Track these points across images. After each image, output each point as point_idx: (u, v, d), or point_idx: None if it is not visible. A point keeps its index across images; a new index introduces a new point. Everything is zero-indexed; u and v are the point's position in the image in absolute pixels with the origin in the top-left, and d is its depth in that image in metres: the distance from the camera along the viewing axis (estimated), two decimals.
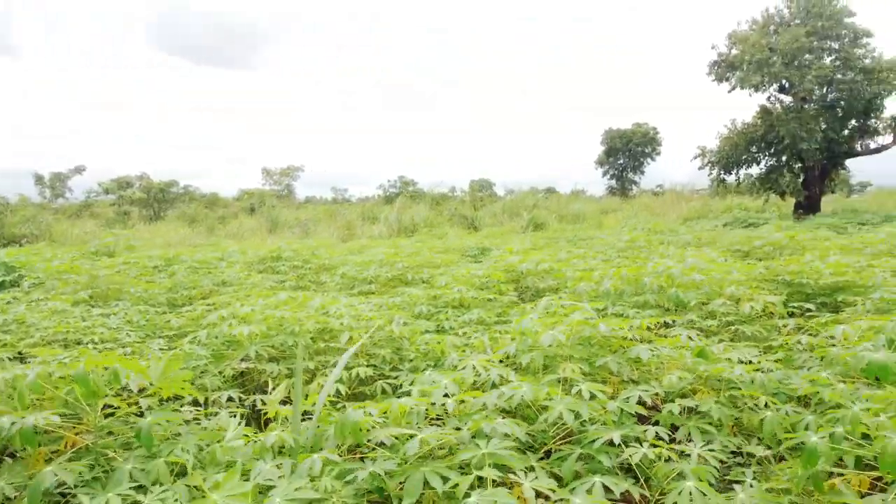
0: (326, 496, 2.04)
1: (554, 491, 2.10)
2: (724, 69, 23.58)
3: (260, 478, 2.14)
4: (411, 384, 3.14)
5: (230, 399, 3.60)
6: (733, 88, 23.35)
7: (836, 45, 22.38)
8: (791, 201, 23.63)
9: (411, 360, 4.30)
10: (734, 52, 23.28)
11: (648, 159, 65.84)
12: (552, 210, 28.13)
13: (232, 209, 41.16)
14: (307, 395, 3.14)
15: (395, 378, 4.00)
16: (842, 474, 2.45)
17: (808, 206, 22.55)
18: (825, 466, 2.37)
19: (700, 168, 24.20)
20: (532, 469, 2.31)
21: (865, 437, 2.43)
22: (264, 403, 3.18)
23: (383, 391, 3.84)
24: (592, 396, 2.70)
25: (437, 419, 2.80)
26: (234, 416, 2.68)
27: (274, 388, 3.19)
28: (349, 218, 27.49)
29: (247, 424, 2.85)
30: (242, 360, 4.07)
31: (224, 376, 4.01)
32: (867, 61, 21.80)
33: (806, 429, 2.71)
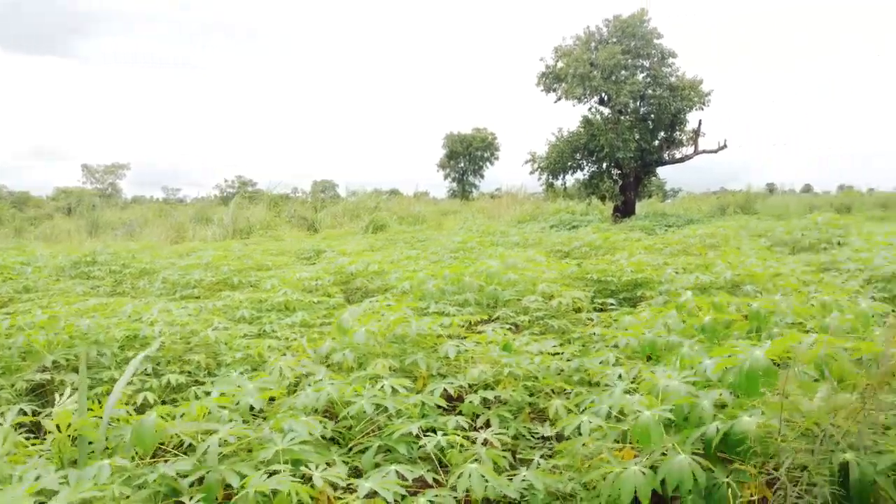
0: (115, 501, 1.99)
1: (343, 480, 2.20)
2: (550, 80, 25.09)
3: (42, 485, 2.05)
4: (212, 384, 3.12)
5: (23, 412, 3.36)
6: (559, 99, 24.93)
7: (647, 64, 24.60)
8: (611, 205, 25.61)
9: (228, 365, 4.23)
10: (560, 64, 24.85)
11: (487, 163, 68.25)
12: (394, 212, 28.40)
13: (46, 210, 37.60)
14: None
15: (211, 384, 3.92)
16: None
17: (624, 210, 24.58)
18: (591, 441, 2.67)
19: (530, 173, 25.58)
20: (332, 463, 2.39)
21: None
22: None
23: (196, 397, 3.76)
24: (395, 391, 2.83)
25: (245, 421, 2.80)
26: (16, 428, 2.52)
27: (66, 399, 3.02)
28: (180, 219, 26.05)
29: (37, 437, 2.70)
30: (38, 370, 3.80)
31: (17, 389, 3.72)
32: (672, 79, 24.21)
33: (584, 410, 3.02)
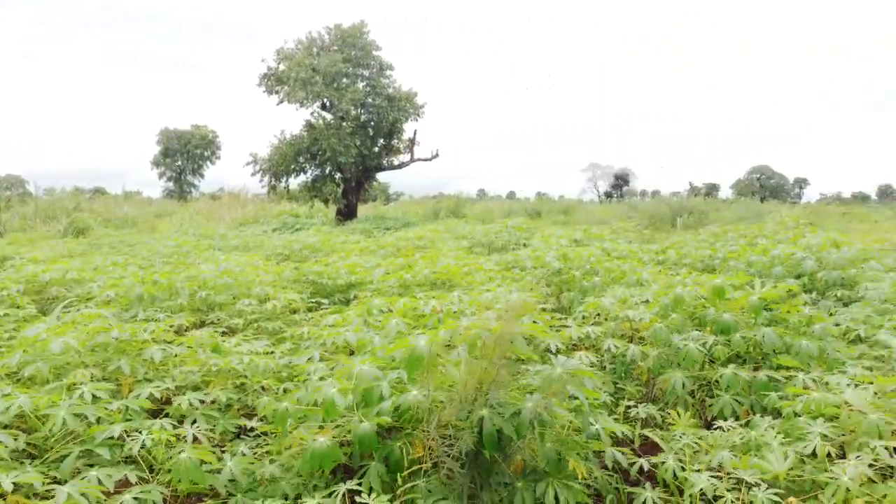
0: None
1: (42, 483, 2.22)
2: (273, 82, 24.98)
3: None
4: None
5: None
6: (281, 102, 24.92)
7: (367, 73, 25.73)
8: (335, 208, 26.25)
9: None
10: (282, 67, 24.86)
11: (208, 162, 65.15)
12: (98, 213, 25.83)
13: None
14: None
15: None
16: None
17: (347, 213, 25.42)
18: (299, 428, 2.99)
19: (252, 175, 25.18)
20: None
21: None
22: None
23: None
24: (96, 398, 2.85)
25: None
26: None
27: None
28: None
29: None
30: None
31: None
32: (390, 90, 25.66)
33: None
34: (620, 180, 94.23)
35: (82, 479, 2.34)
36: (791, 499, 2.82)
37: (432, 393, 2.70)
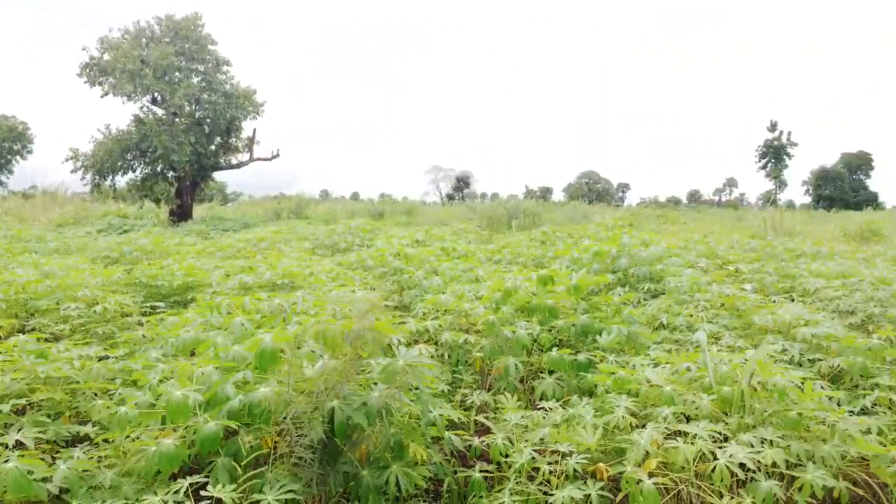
0: None
1: None
2: (96, 73, 23.26)
3: None
4: None
5: None
6: (106, 94, 23.26)
7: (202, 68, 24.66)
8: (167, 208, 24.89)
9: None
10: (106, 57, 23.21)
11: (18, 157, 59.34)
12: None
13: None
14: None
15: None
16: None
17: (181, 214, 24.19)
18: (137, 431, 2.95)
19: (73, 171, 23.27)
20: None
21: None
22: None
23: None
24: None
25: None
26: None
27: None
28: None
29: None
30: None
31: None
32: (227, 87, 24.77)
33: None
34: (462, 183, 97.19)
35: None
36: (600, 464, 3.22)
37: (282, 388, 2.80)
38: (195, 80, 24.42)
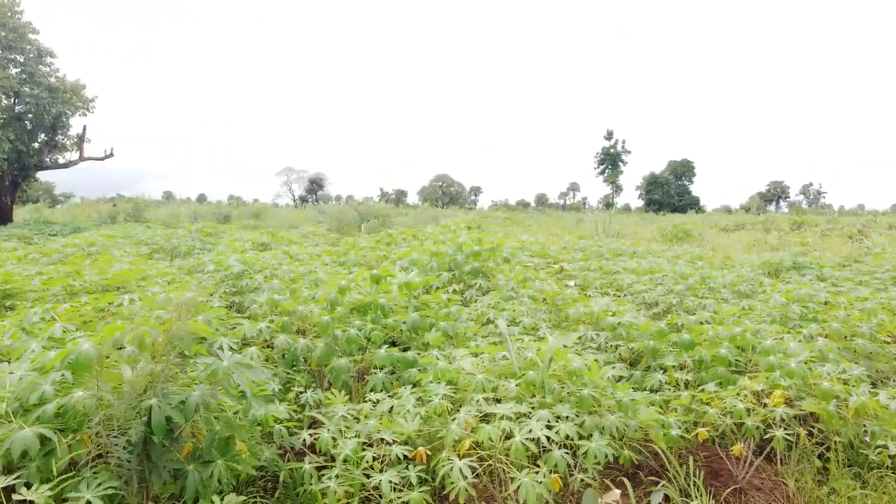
0: None
1: None
2: None
3: None
4: None
5: None
6: None
7: (21, 59, 22.67)
8: None
9: None
10: None
11: None
12: None
13: None
14: None
15: None
16: None
17: (0, 217, 22.12)
18: None
19: None
20: None
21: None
22: None
23: None
24: None
25: None
26: None
27: None
28: None
29: None
30: None
31: None
32: (52, 80, 22.95)
33: None
34: (315, 185, 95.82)
35: None
36: (419, 449, 3.50)
37: (100, 392, 2.81)
38: (13, 71, 22.43)
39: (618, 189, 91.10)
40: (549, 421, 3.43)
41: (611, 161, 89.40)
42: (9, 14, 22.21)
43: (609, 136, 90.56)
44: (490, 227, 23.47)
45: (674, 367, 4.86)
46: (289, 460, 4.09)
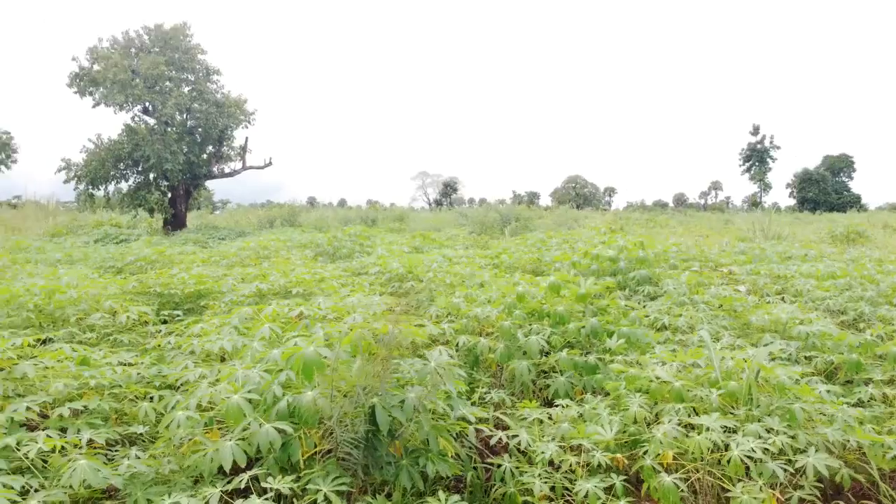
0: None
1: None
2: (86, 83, 23.29)
3: None
4: None
5: None
6: (98, 104, 23.32)
7: (192, 78, 24.77)
8: (160, 217, 24.94)
9: None
10: (96, 67, 23.26)
11: (2, 167, 59.04)
12: None
13: None
14: None
15: None
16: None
17: (175, 223, 24.27)
18: (187, 432, 3.16)
19: (66, 182, 23.27)
20: None
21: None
22: None
23: None
24: None
25: None
26: None
27: None
28: None
29: None
30: None
31: None
32: (218, 96, 24.90)
33: (174, 407, 3.47)
34: (449, 188, 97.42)
35: None
36: (618, 456, 3.46)
37: (326, 391, 3.02)
38: (186, 89, 24.53)
39: (766, 187, 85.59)
40: (759, 434, 3.28)
41: (757, 157, 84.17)
42: (181, 37, 24.37)
43: (755, 130, 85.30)
44: (632, 230, 22.81)
45: (882, 381, 4.50)
46: (473, 460, 4.17)
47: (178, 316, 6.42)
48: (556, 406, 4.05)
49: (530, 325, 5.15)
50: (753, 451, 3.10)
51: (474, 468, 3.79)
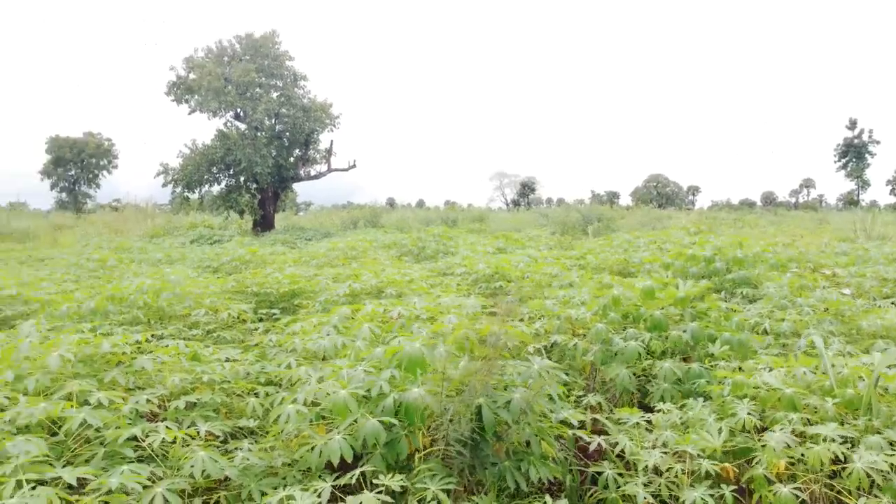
0: None
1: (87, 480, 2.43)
2: (182, 91, 24.46)
3: None
4: None
5: None
6: (193, 111, 24.44)
7: (280, 84, 25.62)
8: (250, 219, 25.91)
9: None
10: (192, 76, 24.38)
11: (104, 172, 62.64)
12: None
13: None
14: None
15: None
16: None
17: (264, 224, 25.16)
18: (296, 425, 3.26)
19: (164, 185, 24.51)
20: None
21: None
22: None
23: None
24: (100, 405, 3.03)
25: None
26: None
27: None
28: None
29: None
30: None
31: None
32: (305, 101, 25.66)
33: (281, 402, 3.58)
34: (527, 188, 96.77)
35: (120, 472, 2.54)
36: (726, 465, 3.34)
37: (433, 388, 3.05)
38: (274, 95, 25.39)
39: (864, 185, 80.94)
40: (881, 446, 3.10)
41: (855, 153, 79.69)
42: (270, 45, 25.27)
43: (852, 125, 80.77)
44: (719, 230, 22.01)
45: None
46: (570, 464, 4.11)
47: (274, 314, 6.64)
48: (657, 411, 3.95)
49: (624, 328, 5.05)
50: (876, 463, 2.94)
51: (569, 471, 3.74)
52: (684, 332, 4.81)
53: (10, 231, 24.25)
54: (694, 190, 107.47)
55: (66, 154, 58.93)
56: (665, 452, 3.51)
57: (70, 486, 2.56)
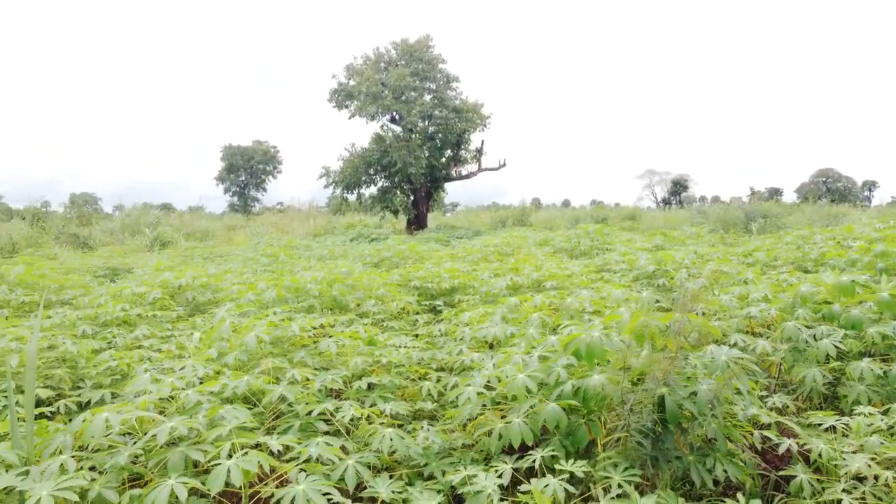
0: (90, 486, 2.20)
1: (289, 448, 2.59)
2: (342, 98, 25.75)
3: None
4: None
5: None
6: (353, 116, 25.67)
7: (433, 86, 26.28)
8: (403, 218, 26.80)
9: (92, 378, 4.22)
10: (351, 83, 25.61)
11: (270, 177, 67.22)
12: (176, 227, 27.07)
13: None
14: None
15: (78, 395, 3.95)
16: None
17: (417, 223, 25.93)
18: (473, 410, 3.29)
19: (325, 187, 25.94)
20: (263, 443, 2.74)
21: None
22: None
23: (67, 409, 3.78)
24: (294, 381, 3.22)
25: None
26: None
27: None
28: None
29: None
30: None
31: None
32: (457, 102, 26.13)
33: (454, 387, 3.64)
34: (679, 186, 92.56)
35: (316, 444, 2.69)
36: None
37: (615, 376, 2.97)
38: (427, 97, 26.08)
39: None
40: None
41: None
42: (424, 49, 26.02)
43: None
44: None
45: None
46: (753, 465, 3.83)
47: (438, 306, 6.80)
48: (856, 415, 3.59)
49: (819, 326, 4.66)
50: None
51: (751, 476, 3.50)
52: (886, 330, 4.35)
53: (193, 231, 26.75)
54: (871, 185, 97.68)
55: (237, 161, 63.99)
56: (873, 458, 3.19)
57: (270, 453, 2.75)
